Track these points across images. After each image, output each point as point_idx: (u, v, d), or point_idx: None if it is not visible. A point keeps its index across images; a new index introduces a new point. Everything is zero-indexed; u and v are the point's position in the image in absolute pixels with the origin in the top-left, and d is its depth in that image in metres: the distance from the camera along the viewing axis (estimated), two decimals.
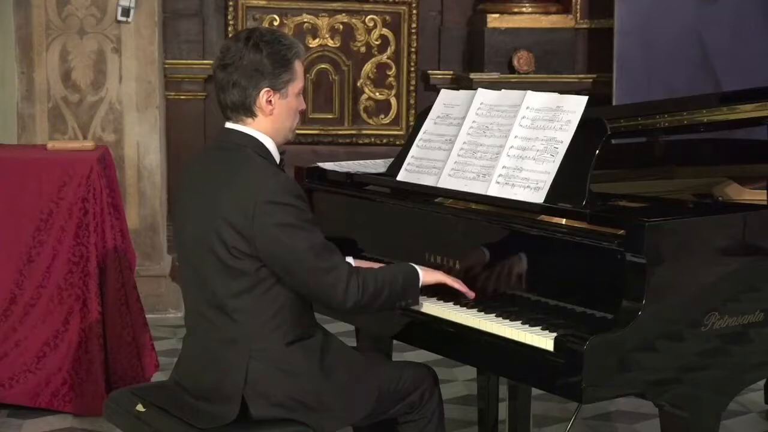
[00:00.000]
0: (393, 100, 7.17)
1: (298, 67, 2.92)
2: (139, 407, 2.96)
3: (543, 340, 2.68)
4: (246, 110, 2.89)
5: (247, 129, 2.90)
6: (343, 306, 2.84)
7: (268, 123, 2.90)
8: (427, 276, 2.98)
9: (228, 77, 2.87)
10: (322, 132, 7.04)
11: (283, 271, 2.80)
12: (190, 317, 2.98)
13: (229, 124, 2.93)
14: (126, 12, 5.75)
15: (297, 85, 2.92)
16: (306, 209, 2.82)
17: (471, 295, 2.98)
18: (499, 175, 3.06)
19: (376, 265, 3.12)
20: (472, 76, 6.82)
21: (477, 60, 7.04)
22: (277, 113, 2.90)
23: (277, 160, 2.93)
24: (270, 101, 2.88)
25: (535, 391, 3.67)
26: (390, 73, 7.14)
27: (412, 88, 7.15)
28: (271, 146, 2.92)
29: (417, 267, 2.99)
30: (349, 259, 3.14)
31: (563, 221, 2.89)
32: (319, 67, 6.96)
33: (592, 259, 2.74)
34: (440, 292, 3.03)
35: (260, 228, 2.76)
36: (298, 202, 2.80)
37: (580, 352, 2.55)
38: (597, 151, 2.92)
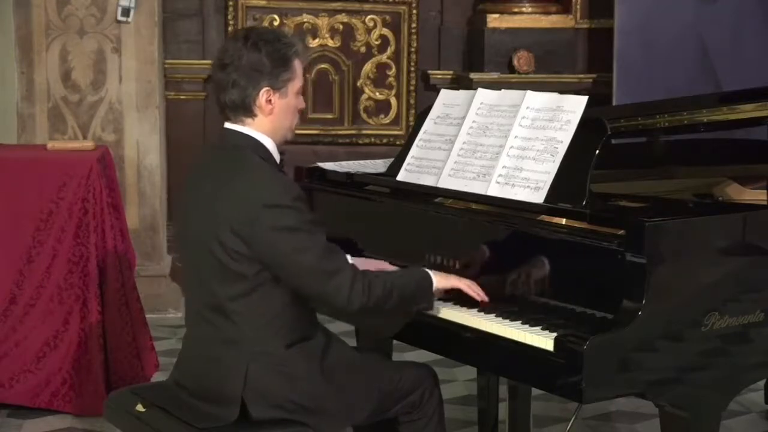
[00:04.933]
0: (393, 100, 7.16)
1: (298, 65, 2.89)
2: (139, 407, 2.96)
3: (543, 340, 2.68)
4: (245, 110, 2.87)
5: (247, 129, 2.89)
6: (349, 309, 2.79)
7: (268, 123, 2.89)
8: (441, 281, 2.94)
9: (227, 77, 2.85)
10: (322, 132, 7.03)
11: (286, 275, 2.78)
12: (190, 317, 2.98)
13: (228, 125, 2.92)
14: (126, 12, 5.75)
15: (296, 83, 2.90)
16: (306, 210, 2.80)
17: (485, 300, 2.94)
18: (499, 175, 3.05)
19: (384, 266, 3.11)
20: (472, 76, 6.81)
21: (477, 60, 7.04)
22: (277, 112, 2.88)
23: (278, 161, 2.92)
24: (270, 101, 2.86)
25: (535, 391, 3.67)
26: (390, 73, 7.13)
27: (412, 88, 7.14)
28: (270, 146, 2.90)
29: (431, 272, 2.94)
30: (350, 259, 3.14)
31: (563, 221, 2.88)
32: (319, 67, 6.95)
33: (592, 259, 2.74)
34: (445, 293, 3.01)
35: (261, 232, 2.74)
36: (299, 203, 2.78)
37: (580, 352, 2.55)
38: (597, 151, 2.92)
